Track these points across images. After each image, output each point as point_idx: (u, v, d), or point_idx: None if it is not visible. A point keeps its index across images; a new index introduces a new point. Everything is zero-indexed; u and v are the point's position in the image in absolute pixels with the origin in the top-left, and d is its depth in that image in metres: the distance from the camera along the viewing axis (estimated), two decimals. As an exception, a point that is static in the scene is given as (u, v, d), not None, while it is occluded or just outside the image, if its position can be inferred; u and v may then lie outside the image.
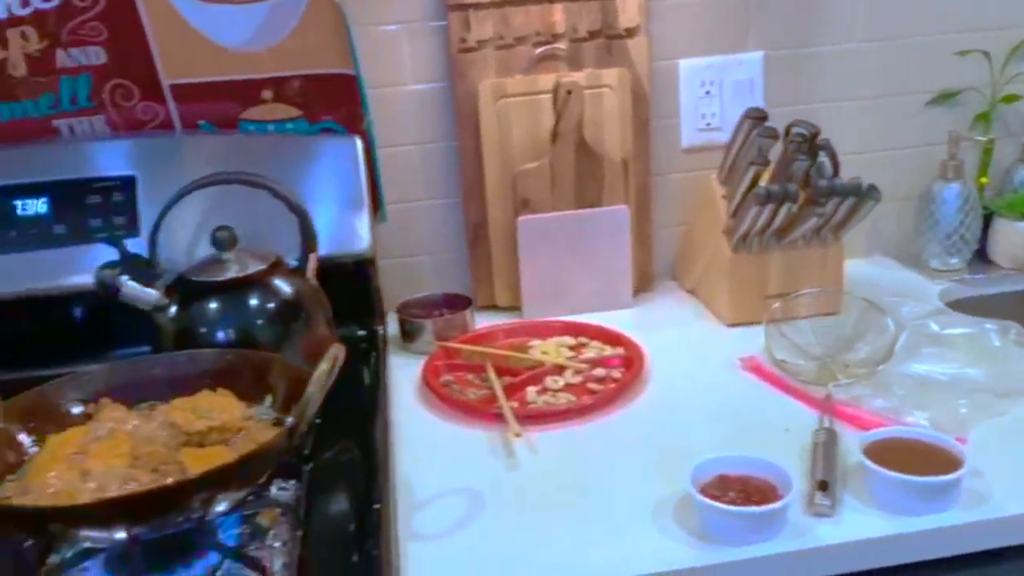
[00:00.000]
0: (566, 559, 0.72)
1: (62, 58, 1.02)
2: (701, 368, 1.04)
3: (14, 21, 0.99)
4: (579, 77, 1.14)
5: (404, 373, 1.08)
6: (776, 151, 1.09)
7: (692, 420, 0.92)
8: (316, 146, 1.10)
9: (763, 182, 1.07)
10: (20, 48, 1.01)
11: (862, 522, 0.74)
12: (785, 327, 1.04)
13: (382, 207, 1.19)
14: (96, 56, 1.03)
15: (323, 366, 0.68)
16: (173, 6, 1.01)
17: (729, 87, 1.24)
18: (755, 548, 0.71)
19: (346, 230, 1.09)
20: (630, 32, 1.17)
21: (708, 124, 1.25)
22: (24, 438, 0.72)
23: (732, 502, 0.72)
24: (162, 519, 0.64)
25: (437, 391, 0.99)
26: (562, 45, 1.17)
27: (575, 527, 0.76)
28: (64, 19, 0.99)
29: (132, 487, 0.65)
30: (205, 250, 0.98)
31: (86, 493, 0.65)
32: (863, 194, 1.04)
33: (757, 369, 1.01)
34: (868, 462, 0.75)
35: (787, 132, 1.09)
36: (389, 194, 1.21)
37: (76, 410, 0.76)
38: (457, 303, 1.18)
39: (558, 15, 1.15)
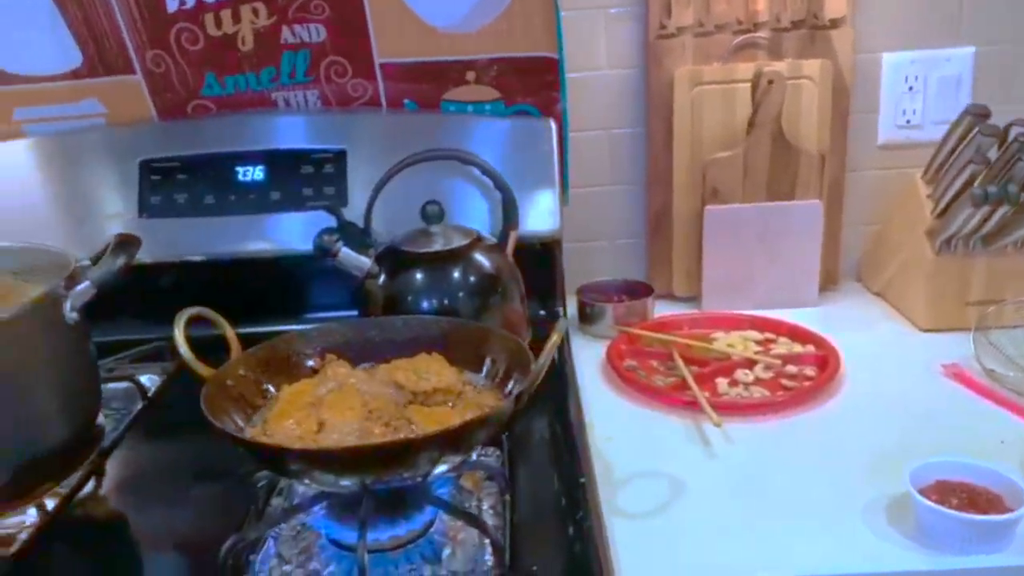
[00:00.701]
0: (774, 550, 0.71)
1: (286, 34, 1.08)
2: (898, 372, 1.00)
3: (247, -1, 1.06)
4: (780, 67, 1.12)
5: (584, 355, 1.09)
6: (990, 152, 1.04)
7: (895, 424, 0.89)
8: (513, 128, 1.13)
9: (977, 183, 1.02)
10: (250, 24, 1.07)
11: (1097, 544, 0.70)
12: (993, 336, 0.99)
13: (566, 190, 1.21)
14: (317, 33, 1.08)
15: (553, 338, 0.69)
16: (392, -14, 1.05)
17: (934, 83, 1.18)
18: (980, 558, 0.68)
19: (536, 211, 1.11)
20: (834, 23, 1.14)
21: (908, 121, 1.20)
22: (269, 386, 0.77)
23: (956, 509, 0.70)
24: (394, 471, 0.67)
25: (623, 375, 1.00)
26: (763, 34, 1.14)
27: (781, 519, 0.75)
28: (293, -3, 1.05)
29: (366, 439, 0.69)
30: (398, 221, 1.02)
31: (327, 440, 0.69)
32: (1092, 200, 0.97)
33: (961, 377, 0.96)
34: (1107, 481, 0.71)
35: (1005, 132, 1.03)
36: (572, 178, 1.22)
37: (308, 363, 0.81)
38: (636, 290, 1.19)
39: (761, 4, 1.13)
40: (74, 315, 0.75)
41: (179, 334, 0.74)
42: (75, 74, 1.12)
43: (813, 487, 0.79)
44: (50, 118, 1.16)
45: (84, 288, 0.75)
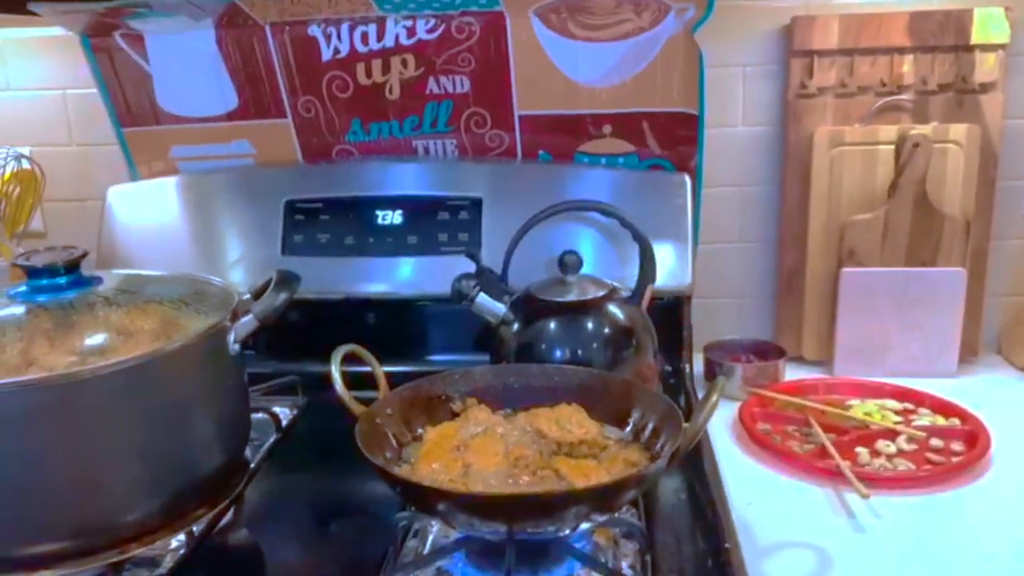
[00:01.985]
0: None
1: (432, 85, 1.12)
2: (1053, 453, 0.95)
3: (398, 50, 1.10)
4: (925, 130, 1.09)
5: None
6: None
7: (1055, 509, 0.84)
8: (647, 181, 1.13)
9: None
10: (398, 74, 1.11)
11: None
12: None
13: (695, 245, 1.20)
14: (461, 85, 1.11)
15: (713, 397, 0.68)
16: (539, 41, 1.07)
17: (1090, 151, 1.14)
18: None
19: (669, 265, 1.10)
20: (984, 88, 1.11)
21: (1059, 190, 1.16)
22: (418, 428, 0.78)
23: None
24: (543, 522, 0.67)
25: (759, 439, 0.97)
26: (907, 96, 1.12)
27: (941, 604, 0.71)
28: (441, 49, 1.09)
29: (512, 487, 0.69)
30: (529, 269, 1.02)
31: (474, 485, 0.69)
32: None
33: None
34: None
35: None
36: (701, 233, 1.21)
37: (451, 405, 0.82)
38: (765, 351, 1.16)
39: (908, 66, 1.11)
40: (236, 347, 0.78)
41: (335, 371, 0.75)
42: (230, 116, 1.18)
43: (973, 571, 0.75)
44: (203, 157, 1.22)
45: (247, 321, 0.78)
